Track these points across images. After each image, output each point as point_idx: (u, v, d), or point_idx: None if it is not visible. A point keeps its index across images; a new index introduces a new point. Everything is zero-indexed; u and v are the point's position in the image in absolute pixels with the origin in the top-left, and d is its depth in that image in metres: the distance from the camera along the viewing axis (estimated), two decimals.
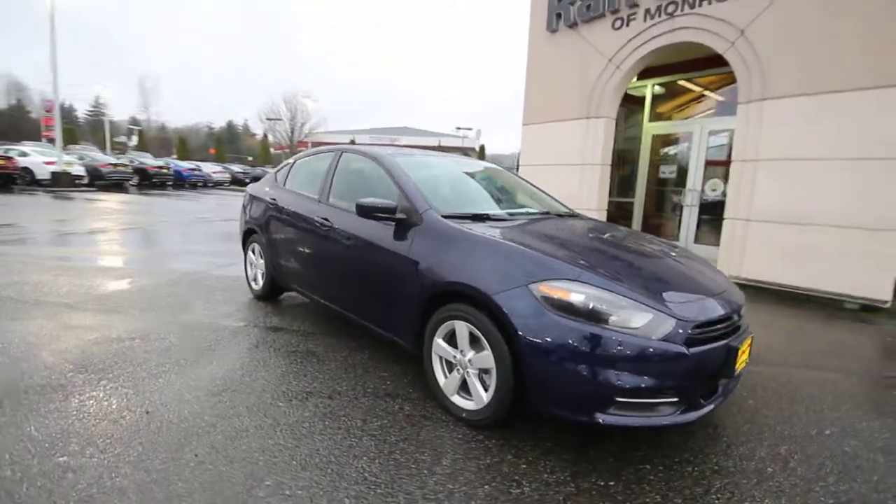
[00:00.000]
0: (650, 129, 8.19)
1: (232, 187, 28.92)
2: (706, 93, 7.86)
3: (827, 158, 5.04)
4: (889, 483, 2.04)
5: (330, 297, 3.39)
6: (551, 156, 7.89)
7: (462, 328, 2.34)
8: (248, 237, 4.52)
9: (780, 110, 5.37)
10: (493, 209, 3.14)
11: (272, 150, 48.36)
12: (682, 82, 7.97)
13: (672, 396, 2.00)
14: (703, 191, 7.44)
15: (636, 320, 1.97)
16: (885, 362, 3.70)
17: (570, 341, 1.97)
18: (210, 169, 29.56)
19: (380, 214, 2.74)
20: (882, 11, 4.62)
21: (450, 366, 2.48)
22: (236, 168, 35.29)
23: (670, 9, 6.29)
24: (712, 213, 7.26)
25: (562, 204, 3.74)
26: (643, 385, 1.93)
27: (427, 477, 1.93)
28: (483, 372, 2.30)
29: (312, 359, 3.08)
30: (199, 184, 26.91)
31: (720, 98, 7.62)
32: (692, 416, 2.04)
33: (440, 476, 1.94)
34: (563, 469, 2.04)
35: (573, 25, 7.49)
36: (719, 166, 7.23)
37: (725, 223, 5.99)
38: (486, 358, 2.23)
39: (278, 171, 4.42)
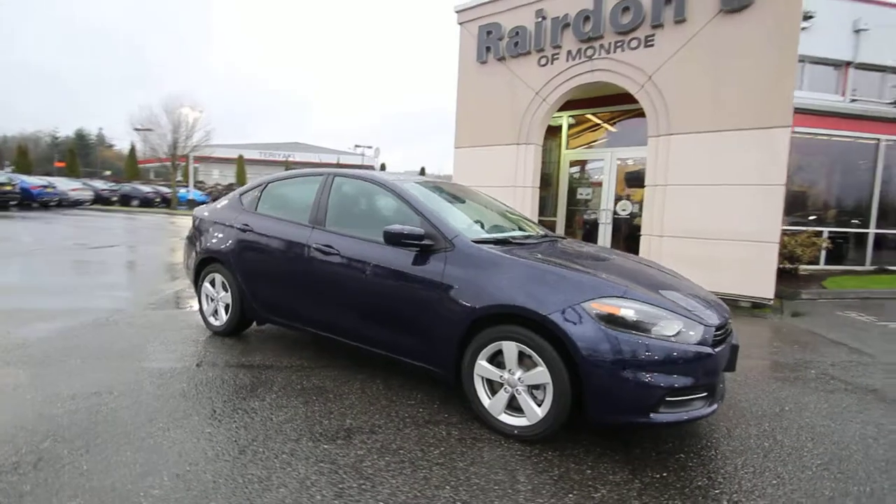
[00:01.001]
0: (567, 155, 9.11)
1: (95, 207, 24.97)
2: (606, 126, 9.00)
3: (721, 184, 6.15)
4: (847, 443, 2.60)
5: (332, 328, 3.23)
6: (485, 177, 8.33)
7: (511, 348, 2.45)
8: (203, 268, 4.08)
9: (683, 144, 6.42)
10: (504, 232, 3.31)
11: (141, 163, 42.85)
12: (589, 115, 9.05)
13: (703, 392, 2.34)
14: (615, 210, 8.46)
15: (673, 328, 2.28)
16: (788, 346, 4.61)
17: (625, 352, 2.20)
18: (67, 186, 25.17)
19: (408, 241, 2.74)
20: (758, 69, 5.84)
21: (492, 386, 2.57)
22: (99, 184, 30.53)
23: (589, 52, 7.17)
24: (623, 230, 8.29)
25: (536, 224, 4.05)
26: (685, 384, 2.24)
27: (515, 495, 2.00)
28: (533, 388, 2.43)
29: (327, 394, 2.92)
30: (53, 203, 22.76)
31: (615, 129, 8.79)
32: (715, 407, 2.40)
33: (526, 493, 2.02)
34: (621, 469, 2.25)
35: (502, 59, 8.10)
36: (628, 188, 8.31)
37: (642, 238, 6.91)
38: (540, 374, 2.37)
39: (242, 194, 4.09)
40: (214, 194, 38.77)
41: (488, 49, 8.20)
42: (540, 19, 7.55)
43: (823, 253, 8.98)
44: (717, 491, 2.10)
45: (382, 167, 45.23)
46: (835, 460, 2.40)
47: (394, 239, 2.75)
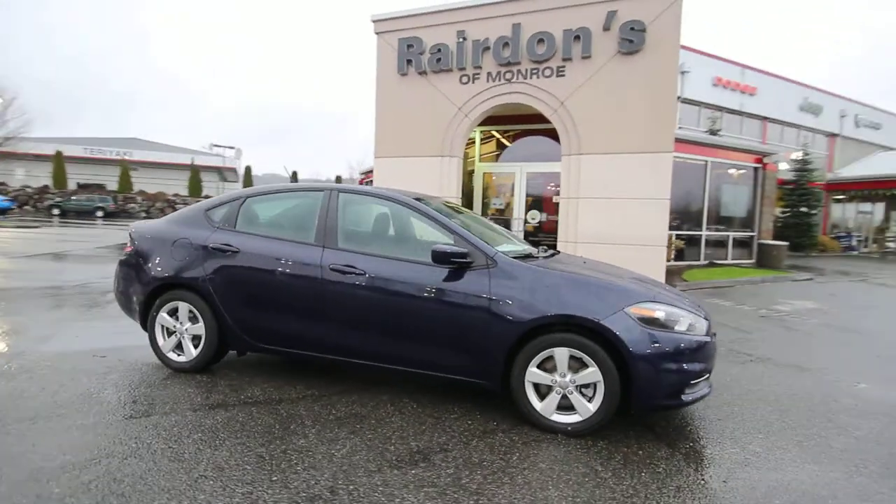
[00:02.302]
0: (481, 167, 9.73)
1: None
2: (505, 141, 9.88)
3: (623, 198, 7.28)
4: (816, 404, 3.44)
5: (352, 351, 3.10)
6: (410, 187, 8.26)
7: (563, 353, 2.71)
8: (158, 295, 3.50)
9: (591, 162, 7.44)
10: (517, 246, 3.51)
11: None
12: (494, 132, 9.83)
13: (707, 374, 2.89)
14: (526, 219, 9.32)
15: (688, 323, 2.79)
16: None
17: (662, 347, 2.64)
18: None
19: (456, 260, 2.82)
20: (648, 102, 7.07)
21: (538, 389, 2.79)
22: None
23: (508, 76, 7.83)
24: (534, 237, 9.18)
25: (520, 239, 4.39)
26: (701, 368, 2.76)
27: (605, 482, 2.25)
28: (583, 388, 2.73)
29: (368, 420, 2.81)
30: None
31: (525, 145, 9.73)
32: (711, 387, 2.99)
33: (612, 480, 2.29)
34: (661, 446, 2.66)
35: (423, 73, 8.33)
36: (537, 200, 9.25)
37: (559, 244, 7.79)
38: (591, 374, 2.67)
39: (210, 209, 3.60)
40: (23, 199, 31.33)
41: (409, 62, 8.36)
42: (461, 40, 7.99)
43: (673, 251, 11.14)
44: (732, 441, 2.64)
45: (247, 170, 41.46)
46: (784, 410, 3.18)
47: (443, 258, 2.80)
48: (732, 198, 13.11)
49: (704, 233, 12.20)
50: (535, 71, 7.65)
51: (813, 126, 20.58)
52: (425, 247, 3.20)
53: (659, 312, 2.71)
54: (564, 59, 7.44)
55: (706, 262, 12.09)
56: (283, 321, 3.21)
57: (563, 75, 7.49)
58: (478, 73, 8.02)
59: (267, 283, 3.23)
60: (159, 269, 3.48)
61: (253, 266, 3.26)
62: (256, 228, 3.44)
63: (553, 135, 8.15)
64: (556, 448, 2.58)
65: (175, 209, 34.38)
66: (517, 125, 9.53)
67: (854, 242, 20.47)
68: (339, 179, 42.25)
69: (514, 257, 3.03)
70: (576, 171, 7.55)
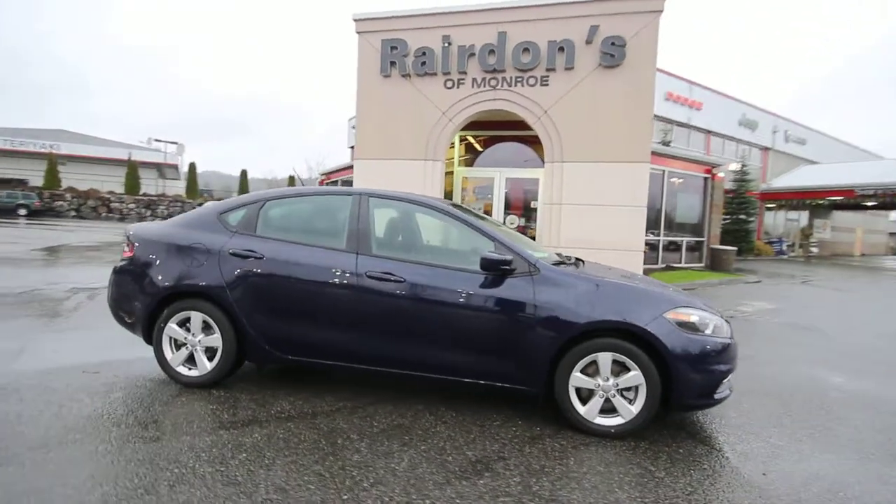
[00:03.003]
0: (460, 171, 9.78)
1: None
2: (478, 146, 10.03)
3: (603, 205, 7.59)
4: (810, 397, 3.73)
5: (388, 360, 3.02)
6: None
7: (606, 358, 2.79)
8: (167, 305, 3.25)
9: (573, 170, 7.70)
10: (545, 253, 3.56)
11: None
12: (469, 137, 9.93)
13: (731, 374, 3.08)
14: (504, 223, 9.47)
15: (715, 326, 2.97)
16: None
17: (698, 349, 2.79)
18: None
19: (504, 267, 2.83)
20: (626, 115, 7.42)
21: (579, 394, 2.86)
22: None
23: (493, 82, 7.95)
24: None
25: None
26: (728, 369, 2.94)
27: (661, 481, 2.35)
28: (624, 391, 2.83)
29: (414, 432, 2.76)
30: None
31: (502, 151, 9.90)
32: (731, 389, 3.18)
33: (668, 479, 2.39)
34: (697, 443, 2.81)
35: (407, 76, 8.27)
36: (515, 205, 9.43)
37: None
38: (634, 378, 2.78)
39: (224, 213, 3.38)
40: None
41: (393, 64, 8.28)
42: (447, 45, 8.01)
43: None
44: (754, 436, 2.83)
45: (192, 167, 39.06)
46: (785, 404, 3.44)
47: (492, 266, 2.81)
48: (686, 205, 14.01)
49: (662, 238, 12.94)
50: (519, 79, 7.81)
51: (750, 140, 22.44)
52: (463, 254, 3.22)
53: (693, 317, 2.86)
54: (548, 70, 7.66)
55: (663, 265, 12.84)
56: (314, 331, 3.08)
57: (546, 85, 7.71)
58: (463, 79, 8.07)
59: (297, 292, 3.08)
60: (169, 276, 3.23)
61: (281, 273, 3.10)
62: (281, 233, 3.28)
63: (527, 141, 8.37)
64: (605, 451, 2.66)
65: (110, 207, 32.01)
66: (492, 130, 9.67)
67: (784, 247, 22.50)
68: (291, 181, 40.66)
69: (558, 263, 3.09)
70: (558, 178, 7.78)
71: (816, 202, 22.49)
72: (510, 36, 7.70)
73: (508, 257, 2.87)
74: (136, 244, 3.39)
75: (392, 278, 2.97)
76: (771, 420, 3.22)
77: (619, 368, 2.80)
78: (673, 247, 13.52)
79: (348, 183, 19.38)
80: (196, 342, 3.21)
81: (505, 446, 2.64)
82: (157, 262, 3.29)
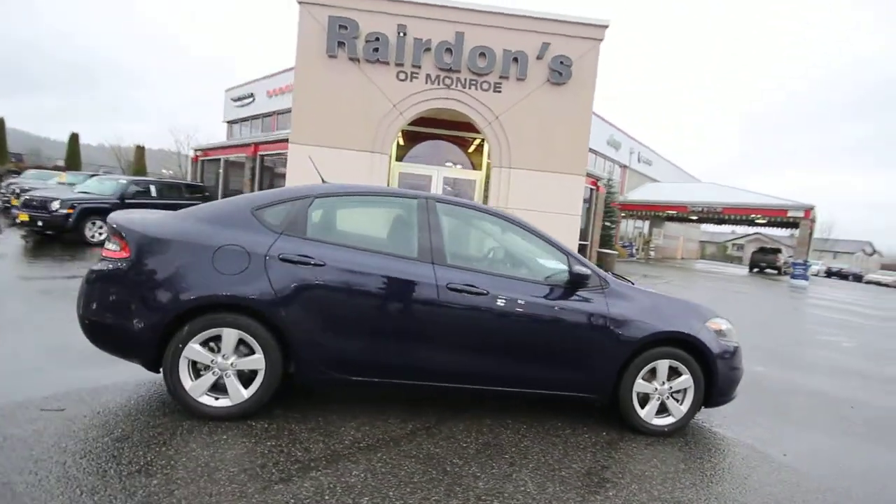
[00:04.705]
0: (397, 167, 9.50)
1: None
2: (404, 143, 9.96)
3: (546, 211, 8.14)
4: (784, 390, 4.50)
5: (466, 376, 2.88)
6: (334, 181, 7.77)
7: (664, 365, 3.09)
8: (187, 320, 2.60)
9: (520, 177, 8.09)
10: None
11: None
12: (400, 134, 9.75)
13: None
14: None
15: (730, 332, 3.48)
16: None
17: (730, 353, 3.25)
18: None
19: (586, 282, 2.92)
20: (568, 129, 8.05)
21: (641, 398, 3.11)
22: None
23: (447, 81, 7.90)
24: None
25: None
26: (741, 368, 3.48)
27: (712, 475, 2.71)
28: (675, 393, 3.15)
29: (507, 449, 2.69)
30: None
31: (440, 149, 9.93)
32: None
33: (716, 471, 2.77)
34: (724, 437, 3.29)
35: (355, 60, 7.75)
36: None
37: None
38: (684, 381, 3.12)
39: (259, 208, 2.81)
40: None
41: (341, 44, 7.68)
42: (402, 34, 7.72)
43: None
44: (760, 426, 3.42)
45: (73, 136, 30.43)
46: (775, 396, 4.19)
47: (579, 280, 2.87)
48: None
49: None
50: (473, 82, 7.91)
51: (614, 158, 26.06)
52: (531, 265, 3.21)
53: (724, 325, 3.32)
54: (502, 77, 7.90)
55: None
56: (387, 349, 2.77)
57: (499, 91, 7.95)
58: (416, 73, 7.87)
59: (367, 306, 2.73)
60: (194, 285, 2.57)
61: (347, 284, 2.71)
62: (337, 237, 2.86)
63: (459, 142, 8.55)
64: (673, 449, 2.94)
65: None
66: (426, 127, 9.63)
67: (634, 250, 26.71)
68: (140, 152, 34.20)
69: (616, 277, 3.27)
70: (505, 183, 8.10)
71: (657, 214, 27.17)
72: (467, 38, 7.74)
73: (588, 272, 2.96)
74: (137, 242, 2.63)
75: (474, 290, 2.83)
76: (766, 410, 3.87)
77: (671, 373, 3.11)
78: None
79: (236, 164, 17.28)
80: (227, 365, 2.63)
81: (594, 455, 2.74)
82: (174, 266, 2.59)
